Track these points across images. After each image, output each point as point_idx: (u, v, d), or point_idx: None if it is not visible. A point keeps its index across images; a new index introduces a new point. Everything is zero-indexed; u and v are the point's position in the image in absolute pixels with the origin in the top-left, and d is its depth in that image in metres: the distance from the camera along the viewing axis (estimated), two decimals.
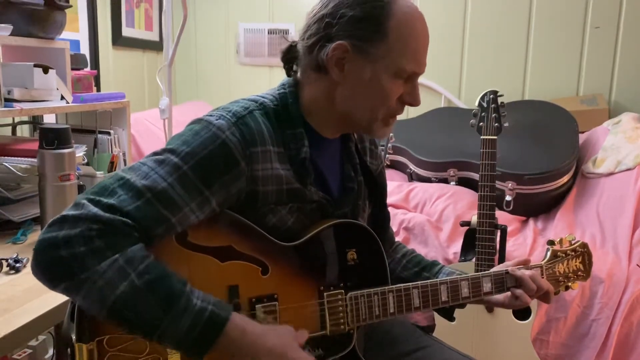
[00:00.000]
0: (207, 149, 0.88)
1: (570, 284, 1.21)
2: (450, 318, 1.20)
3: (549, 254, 1.20)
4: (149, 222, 0.82)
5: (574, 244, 1.23)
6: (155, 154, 0.89)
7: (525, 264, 1.15)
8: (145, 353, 0.86)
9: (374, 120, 1.00)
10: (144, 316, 0.78)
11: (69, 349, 0.85)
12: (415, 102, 1.00)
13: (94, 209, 0.79)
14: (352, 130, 1.09)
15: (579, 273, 1.22)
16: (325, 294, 0.99)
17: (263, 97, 1.01)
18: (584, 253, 1.23)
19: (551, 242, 1.22)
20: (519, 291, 1.10)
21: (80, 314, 0.83)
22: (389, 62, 0.94)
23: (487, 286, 1.11)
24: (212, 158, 0.88)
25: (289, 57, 1.04)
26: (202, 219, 0.89)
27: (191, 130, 0.91)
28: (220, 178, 0.89)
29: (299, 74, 1.04)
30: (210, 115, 0.94)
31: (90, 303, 0.78)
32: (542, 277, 1.15)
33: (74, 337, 0.84)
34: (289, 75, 1.06)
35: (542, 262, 1.18)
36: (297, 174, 0.98)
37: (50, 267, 0.78)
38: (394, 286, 1.03)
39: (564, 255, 1.21)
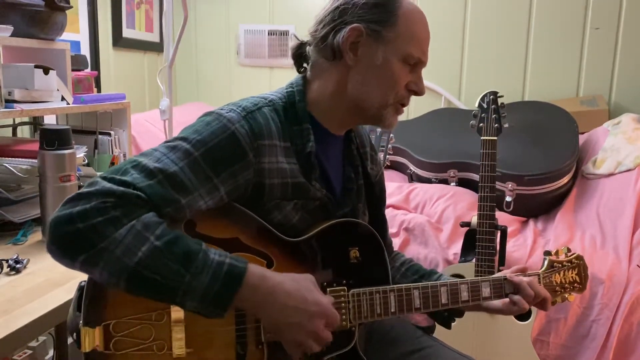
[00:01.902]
0: (217, 139, 0.92)
1: (567, 295, 1.22)
2: (448, 326, 1.21)
3: (546, 263, 1.21)
4: (159, 200, 0.84)
5: (569, 255, 1.24)
6: (167, 141, 0.92)
7: (522, 271, 1.16)
8: (151, 339, 0.87)
9: (385, 107, 1.03)
10: (166, 276, 0.80)
11: (74, 334, 0.86)
12: (420, 91, 1.05)
13: (108, 184, 0.82)
14: (361, 121, 1.10)
15: (575, 284, 1.23)
16: (328, 289, 1.00)
17: (271, 95, 1.04)
18: (579, 265, 1.24)
19: (548, 253, 1.23)
20: (516, 297, 1.11)
21: (88, 299, 0.85)
22: (398, 46, 1.00)
23: (486, 291, 1.11)
24: (222, 147, 0.92)
25: (299, 53, 1.08)
26: (210, 206, 0.91)
27: (202, 121, 0.95)
28: (229, 167, 0.92)
29: (308, 71, 1.07)
30: (221, 109, 0.98)
31: (111, 272, 0.79)
32: (540, 285, 1.16)
33: (80, 324, 0.85)
34: (298, 71, 1.09)
35: (540, 271, 1.19)
36: (303, 168, 1.01)
37: (68, 241, 0.79)
38: (395, 286, 1.04)
39: (560, 265, 1.22)
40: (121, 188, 0.82)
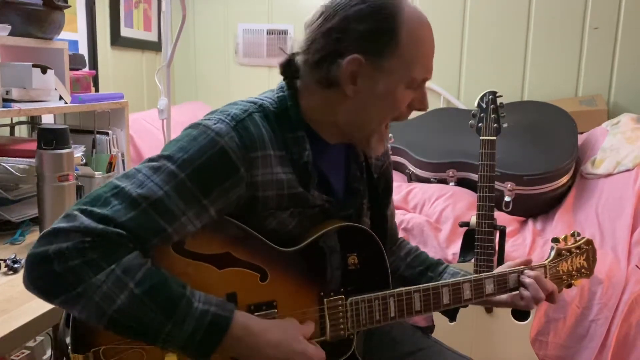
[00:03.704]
0: (205, 156, 0.86)
1: (572, 281, 1.19)
2: (453, 318, 1.19)
3: (553, 252, 1.18)
4: (144, 232, 0.80)
5: (579, 240, 1.21)
6: (151, 160, 0.86)
7: (527, 264, 1.14)
8: None
9: (375, 132, 0.98)
10: (146, 324, 0.78)
11: (64, 358, 0.85)
12: (424, 108, 1.00)
13: (87, 221, 0.77)
14: (350, 141, 1.05)
15: (583, 270, 1.20)
16: (325, 299, 0.98)
17: (262, 99, 0.98)
18: (588, 250, 1.21)
19: (556, 240, 1.19)
20: (526, 293, 1.09)
21: (76, 324, 0.82)
22: (402, 74, 0.93)
23: (489, 287, 1.09)
24: (211, 165, 0.86)
25: (289, 70, 1.00)
26: (199, 227, 0.87)
27: (188, 136, 0.88)
28: (219, 185, 0.87)
29: (299, 83, 1.00)
30: (208, 120, 0.91)
31: (89, 315, 0.77)
32: (546, 277, 1.14)
33: (68, 341, 0.83)
34: (289, 88, 1.00)
35: (546, 262, 1.16)
36: (300, 178, 0.96)
37: (45, 282, 0.76)
38: (395, 290, 1.01)
39: (568, 253, 1.18)
40: (100, 226, 0.76)
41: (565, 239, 1.20)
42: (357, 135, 1.00)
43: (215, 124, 0.89)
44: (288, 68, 1.00)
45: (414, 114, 2.99)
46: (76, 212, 0.78)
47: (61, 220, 0.78)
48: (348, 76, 0.92)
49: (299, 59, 0.97)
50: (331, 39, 0.91)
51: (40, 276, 0.76)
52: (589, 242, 1.22)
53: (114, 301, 0.76)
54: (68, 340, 0.83)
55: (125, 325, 0.78)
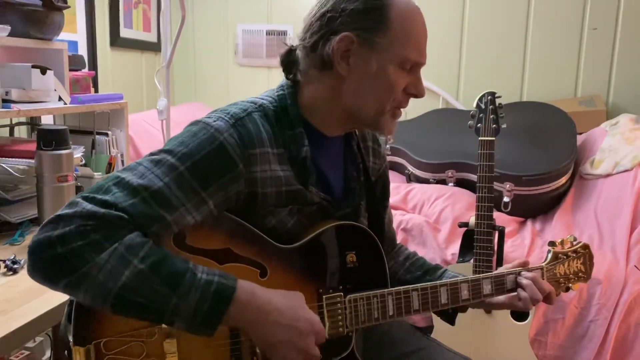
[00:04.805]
0: (204, 150, 0.88)
1: (570, 284, 1.20)
2: (452, 322, 1.20)
3: (549, 255, 1.19)
4: (144, 219, 0.82)
5: (575, 244, 1.22)
6: (152, 154, 0.89)
7: (524, 265, 1.15)
8: (144, 356, 0.86)
9: (382, 114, 0.99)
10: (152, 299, 0.78)
11: (66, 352, 0.85)
12: (419, 94, 1.01)
13: (89, 206, 0.79)
14: (358, 126, 1.09)
15: (580, 274, 1.21)
16: (324, 296, 0.98)
17: (262, 99, 1.00)
18: (585, 254, 1.22)
19: (552, 244, 1.20)
20: (524, 294, 1.09)
21: (78, 316, 0.82)
22: (394, 52, 0.95)
23: (487, 288, 1.10)
24: (210, 160, 0.88)
25: (288, 60, 1.03)
26: (199, 220, 0.88)
27: (189, 132, 0.91)
28: (218, 180, 0.89)
29: (298, 76, 1.02)
30: (209, 117, 0.94)
31: (94, 296, 0.78)
32: (543, 279, 1.14)
33: (70, 338, 0.83)
34: (287, 78, 1.04)
35: (543, 264, 1.17)
36: (298, 174, 0.98)
37: (48, 266, 0.77)
38: (393, 289, 1.02)
39: (565, 256, 1.19)
40: (102, 209, 0.79)
41: (562, 242, 1.21)
42: (364, 121, 1.02)
43: (215, 121, 0.92)
44: (288, 60, 1.03)
45: (413, 114, 2.99)
46: (78, 200, 0.81)
47: (64, 208, 0.80)
48: (340, 54, 0.95)
49: (298, 50, 1.01)
50: (325, 20, 0.96)
51: (44, 261, 0.77)
52: (586, 247, 1.23)
53: (119, 278, 0.77)
54: (70, 338, 0.83)
55: (130, 303, 0.78)
